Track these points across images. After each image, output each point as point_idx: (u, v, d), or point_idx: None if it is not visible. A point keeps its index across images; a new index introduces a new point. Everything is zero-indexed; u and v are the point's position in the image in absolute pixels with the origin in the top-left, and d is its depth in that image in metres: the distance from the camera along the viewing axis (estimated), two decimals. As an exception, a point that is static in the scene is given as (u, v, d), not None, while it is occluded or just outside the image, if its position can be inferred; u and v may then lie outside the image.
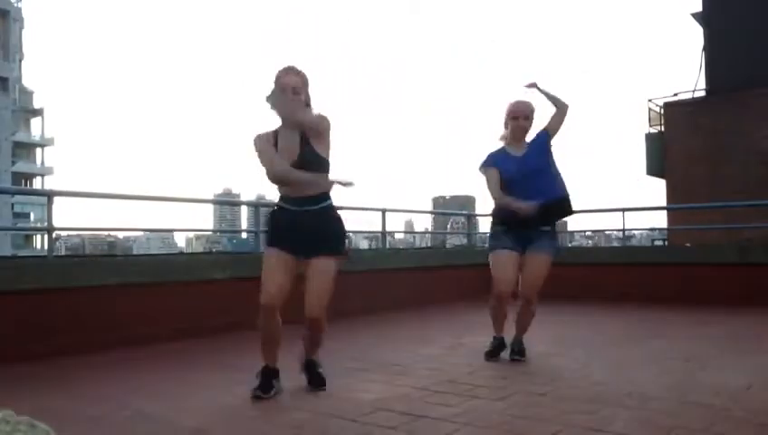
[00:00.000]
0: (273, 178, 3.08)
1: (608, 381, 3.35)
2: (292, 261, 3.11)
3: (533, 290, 3.93)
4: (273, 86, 3.08)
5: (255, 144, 3.11)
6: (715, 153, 14.81)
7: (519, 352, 4.00)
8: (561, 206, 3.91)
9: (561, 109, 3.96)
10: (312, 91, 3.17)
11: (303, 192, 3.08)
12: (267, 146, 3.09)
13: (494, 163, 3.95)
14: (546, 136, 3.96)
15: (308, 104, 3.14)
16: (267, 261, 3.11)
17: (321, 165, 3.08)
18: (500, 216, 4.00)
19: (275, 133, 3.13)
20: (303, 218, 3.08)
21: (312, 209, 3.09)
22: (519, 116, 3.90)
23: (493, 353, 4.03)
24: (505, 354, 4.04)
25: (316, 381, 3.26)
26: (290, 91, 3.05)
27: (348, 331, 5.42)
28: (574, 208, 4.00)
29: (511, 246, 3.92)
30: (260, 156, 3.07)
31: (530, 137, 4.00)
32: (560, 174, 3.96)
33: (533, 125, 3.98)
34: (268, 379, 3.13)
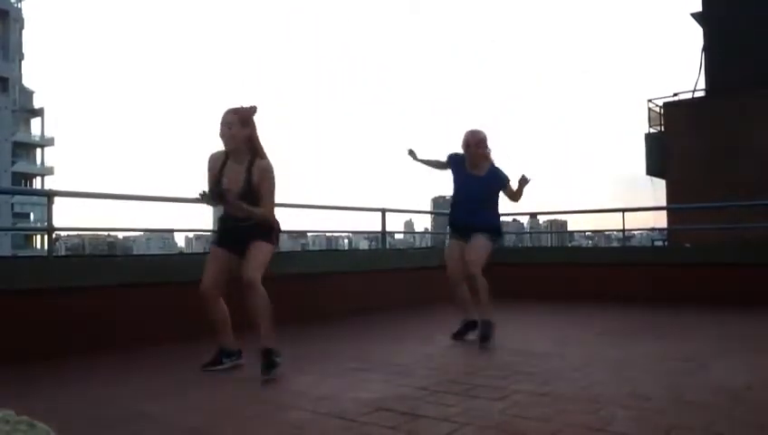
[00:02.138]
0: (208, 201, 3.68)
1: (608, 381, 3.35)
2: (228, 256, 3.73)
3: (469, 257, 4.55)
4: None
5: (209, 162, 3.74)
6: (714, 153, 14.82)
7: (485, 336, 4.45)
8: (486, 229, 4.66)
9: (516, 197, 4.72)
10: (255, 125, 3.68)
11: (236, 213, 3.67)
12: (214, 168, 3.71)
13: (451, 161, 4.76)
14: (503, 184, 4.68)
15: (251, 139, 3.66)
16: (208, 257, 3.83)
17: (255, 201, 3.63)
18: (450, 222, 4.89)
19: (225, 158, 3.70)
20: (238, 231, 3.69)
21: (243, 226, 3.68)
22: (471, 144, 4.62)
23: (458, 334, 4.73)
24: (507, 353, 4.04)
25: (264, 366, 3.49)
26: (225, 126, 3.62)
27: (348, 331, 5.43)
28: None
29: (457, 238, 4.79)
30: (208, 174, 3.72)
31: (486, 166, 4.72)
32: (493, 208, 4.75)
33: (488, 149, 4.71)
34: (218, 355, 3.81)
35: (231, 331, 3.82)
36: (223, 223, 3.82)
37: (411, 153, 4.84)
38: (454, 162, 4.73)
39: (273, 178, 3.66)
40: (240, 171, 3.63)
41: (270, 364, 3.48)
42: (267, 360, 3.49)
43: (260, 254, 3.61)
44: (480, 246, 4.56)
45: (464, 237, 4.66)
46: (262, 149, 3.68)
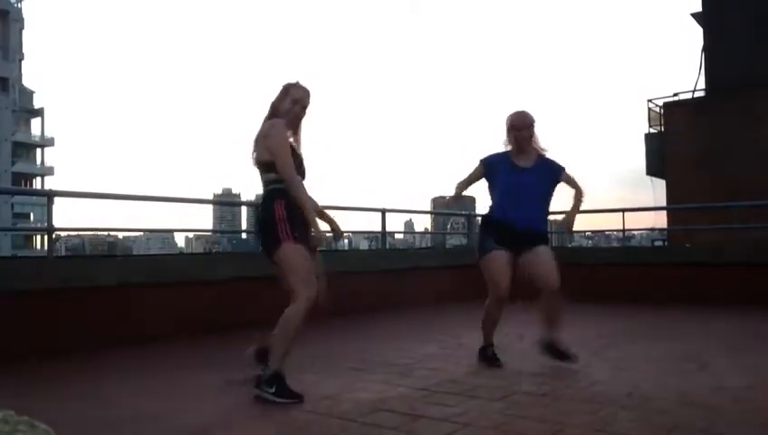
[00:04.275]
0: (286, 177, 3.11)
1: (608, 381, 3.35)
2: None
3: (552, 279, 3.72)
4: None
5: (278, 129, 3.16)
6: (714, 153, 14.80)
7: (565, 352, 3.75)
8: (534, 240, 3.83)
9: (577, 184, 3.96)
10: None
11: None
12: (287, 144, 3.18)
13: (489, 164, 3.97)
14: (560, 173, 3.92)
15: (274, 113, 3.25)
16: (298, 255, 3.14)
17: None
18: (492, 228, 3.94)
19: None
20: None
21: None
22: (520, 127, 3.85)
23: (492, 359, 3.91)
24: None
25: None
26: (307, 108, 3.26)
27: (348, 331, 5.42)
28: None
29: (503, 248, 3.84)
30: (281, 145, 3.14)
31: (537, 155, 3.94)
32: (548, 209, 4.00)
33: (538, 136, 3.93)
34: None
35: None
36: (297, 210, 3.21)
37: (451, 199, 4.09)
38: (490, 164, 3.96)
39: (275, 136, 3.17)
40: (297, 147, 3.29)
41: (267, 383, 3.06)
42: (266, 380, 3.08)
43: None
44: (552, 257, 3.79)
45: (513, 247, 3.82)
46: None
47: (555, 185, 3.91)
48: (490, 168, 3.96)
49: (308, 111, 3.28)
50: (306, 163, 3.30)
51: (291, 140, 3.26)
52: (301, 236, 3.13)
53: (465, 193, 4.08)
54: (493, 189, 3.97)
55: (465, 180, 3.99)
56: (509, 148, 3.94)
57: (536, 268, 3.76)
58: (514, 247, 3.81)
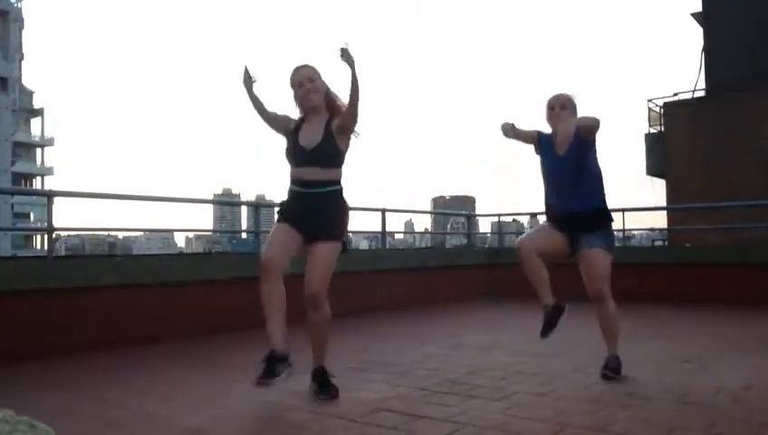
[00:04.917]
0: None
1: (608, 382, 3.35)
2: (297, 235, 3.11)
3: (592, 284, 3.50)
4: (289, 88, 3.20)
5: (282, 117, 3.28)
6: (714, 153, 14.80)
7: (608, 368, 3.43)
8: (591, 217, 3.53)
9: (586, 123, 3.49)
10: (328, 80, 3.23)
11: (312, 177, 3.12)
12: (280, 115, 3.28)
13: (539, 137, 3.69)
14: (579, 141, 3.52)
15: (328, 91, 3.21)
16: (273, 230, 3.16)
17: (336, 156, 3.14)
18: (549, 213, 3.71)
19: (301, 120, 3.23)
20: (310, 200, 3.11)
21: (319, 192, 3.11)
22: (554, 105, 3.60)
23: (547, 327, 3.59)
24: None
25: (325, 389, 3.06)
26: (306, 81, 3.14)
27: (348, 331, 5.42)
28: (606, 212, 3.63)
29: (554, 227, 3.62)
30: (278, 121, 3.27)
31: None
32: (598, 176, 3.61)
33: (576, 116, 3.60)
34: (271, 364, 3.00)
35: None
36: (290, 197, 3.21)
37: (507, 128, 3.60)
38: (541, 141, 3.67)
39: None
40: (318, 129, 3.14)
41: (328, 390, 3.07)
42: (324, 381, 3.10)
43: (325, 262, 3.06)
44: (596, 259, 3.48)
45: (566, 232, 3.57)
46: (340, 102, 3.19)
47: (587, 149, 3.52)
48: (541, 142, 3.68)
49: (309, 82, 3.15)
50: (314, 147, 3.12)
51: (302, 120, 3.23)
52: (281, 217, 3.19)
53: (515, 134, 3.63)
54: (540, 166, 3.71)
55: (524, 130, 3.66)
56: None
57: (581, 267, 3.54)
58: (568, 232, 3.55)
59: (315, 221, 3.08)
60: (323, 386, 3.06)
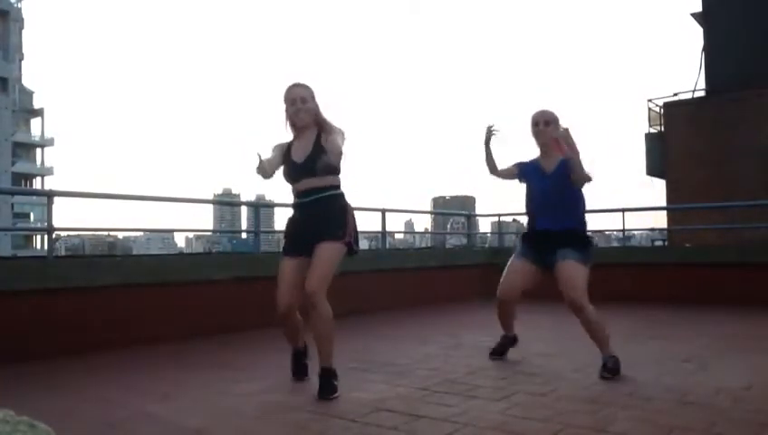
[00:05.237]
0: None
1: (608, 382, 3.35)
2: (304, 261, 3.19)
3: (567, 295, 3.60)
4: (283, 106, 3.32)
5: (273, 150, 3.36)
6: (714, 153, 14.81)
7: (606, 369, 3.46)
8: (571, 237, 3.70)
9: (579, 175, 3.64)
10: (320, 101, 3.34)
11: (308, 185, 3.22)
12: (275, 152, 3.35)
13: (519, 167, 3.91)
14: (564, 167, 3.67)
15: (318, 114, 3.31)
16: (280, 269, 3.29)
17: (327, 169, 3.18)
18: (525, 234, 3.94)
19: (290, 144, 3.35)
20: (310, 208, 3.22)
21: (319, 198, 3.21)
22: (539, 122, 3.73)
23: (495, 351, 4.08)
24: (511, 355, 4.04)
25: (323, 390, 3.07)
26: (299, 100, 3.26)
27: (348, 331, 5.42)
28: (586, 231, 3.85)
29: (526, 256, 3.83)
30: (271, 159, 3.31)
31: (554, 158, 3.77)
32: (581, 200, 3.78)
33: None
34: (298, 360, 3.47)
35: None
36: (292, 214, 3.35)
37: (489, 133, 3.87)
38: (524, 171, 3.89)
39: (344, 136, 3.21)
40: (308, 144, 3.26)
41: (328, 390, 3.08)
42: (326, 381, 3.11)
43: (325, 262, 3.12)
44: (572, 269, 3.63)
45: (540, 254, 3.76)
46: (329, 123, 3.28)
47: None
48: (522, 173, 3.90)
49: (301, 102, 3.26)
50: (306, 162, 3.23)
51: (293, 140, 3.34)
52: (285, 247, 3.34)
53: (488, 152, 3.92)
54: (525, 197, 3.91)
55: (501, 169, 3.94)
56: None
57: (558, 281, 3.65)
58: (543, 254, 3.73)
59: (316, 226, 3.17)
60: (322, 387, 3.07)
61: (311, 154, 3.20)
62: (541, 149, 3.82)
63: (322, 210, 3.19)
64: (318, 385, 3.09)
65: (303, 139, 3.28)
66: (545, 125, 3.71)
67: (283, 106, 3.32)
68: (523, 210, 4.00)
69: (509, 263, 3.90)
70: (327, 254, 3.12)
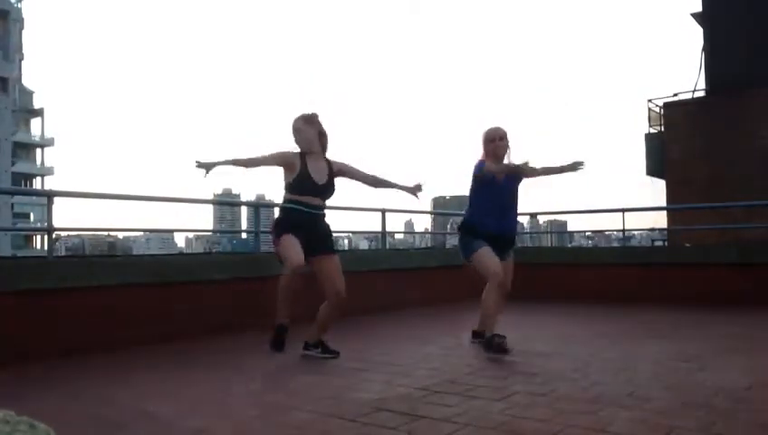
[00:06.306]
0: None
1: (608, 382, 3.35)
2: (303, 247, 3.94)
3: (509, 284, 4.47)
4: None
5: (284, 155, 4.12)
6: (714, 153, 14.80)
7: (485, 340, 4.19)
8: (514, 238, 4.59)
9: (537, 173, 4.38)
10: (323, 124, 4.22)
11: (316, 203, 4.09)
12: (293, 163, 4.12)
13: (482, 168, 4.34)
14: (519, 178, 4.41)
15: (321, 138, 4.18)
16: (288, 239, 3.94)
17: (334, 193, 4.22)
18: (480, 232, 4.34)
19: (302, 155, 4.11)
20: (312, 218, 4.07)
21: (319, 214, 4.12)
22: (495, 138, 4.33)
23: (499, 351, 4.11)
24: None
25: (331, 351, 4.08)
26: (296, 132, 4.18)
27: (348, 331, 5.42)
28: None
29: (490, 245, 4.33)
30: (284, 160, 4.13)
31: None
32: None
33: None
34: (281, 334, 3.98)
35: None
36: (293, 213, 4.08)
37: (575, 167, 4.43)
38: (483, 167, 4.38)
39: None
40: (323, 168, 4.14)
41: (332, 351, 4.11)
42: (327, 347, 4.12)
43: (341, 271, 4.14)
44: (512, 265, 4.55)
45: (495, 247, 4.32)
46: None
47: (518, 179, 4.40)
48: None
49: (302, 132, 4.11)
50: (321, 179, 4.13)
51: (305, 156, 4.12)
52: (289, 230, 4.04)
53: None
54: (478, 197, 4.39)
55: (497, 166, 4.33)
56: (485, 158, 4.33)
57: (506, 271, 4.37)
58: (497, 251, 4.32)
59: (321, 236, 4.09)
60: (326, 349, 4.09)
61: (327, 182, 4.12)
62: (496, 160, 4.32)
63: (324, 226, 4.17)
64: (320, 348, 4.09)
65: (316, 159, 4.11)
66: (500, 140, 4.34)
67: (292, 130, 4.12)
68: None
69: (481, 251, 4.26)
70: (339, 263, 4.10)
